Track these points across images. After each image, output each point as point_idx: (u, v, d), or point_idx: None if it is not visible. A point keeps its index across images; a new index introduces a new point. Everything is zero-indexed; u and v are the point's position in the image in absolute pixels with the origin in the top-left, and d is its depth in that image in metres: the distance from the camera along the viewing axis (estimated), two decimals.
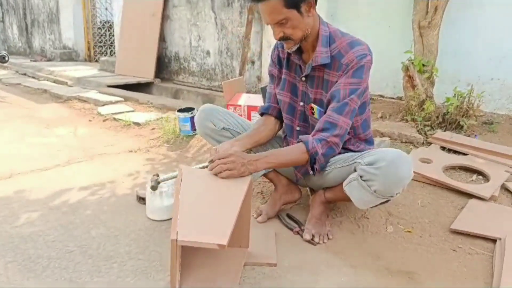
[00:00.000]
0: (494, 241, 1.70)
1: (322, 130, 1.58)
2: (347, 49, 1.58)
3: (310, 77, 1.69)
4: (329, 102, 1.62)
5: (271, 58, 1.87)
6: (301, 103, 1.78)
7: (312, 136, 1.59)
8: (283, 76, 1.81)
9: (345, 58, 1.57)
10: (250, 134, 1.82)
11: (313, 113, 1.73)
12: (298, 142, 1.61)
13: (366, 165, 1.52)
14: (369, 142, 1.81)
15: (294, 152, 1.59)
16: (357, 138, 1.77)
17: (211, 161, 1.51)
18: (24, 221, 1.85)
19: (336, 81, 1.61)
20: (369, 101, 1.75)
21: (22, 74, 6.90)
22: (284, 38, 1.57)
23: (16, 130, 3.42)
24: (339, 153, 1.72)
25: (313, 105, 1.71)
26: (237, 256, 1.53)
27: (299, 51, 1.68)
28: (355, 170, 1.59)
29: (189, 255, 1.49)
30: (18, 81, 5.92)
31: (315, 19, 1.60)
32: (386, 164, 1.46)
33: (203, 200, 1.38)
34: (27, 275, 1.46)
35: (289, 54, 1.73)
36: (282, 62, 1.81)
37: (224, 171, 1.47)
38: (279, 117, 1.90)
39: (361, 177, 1.54)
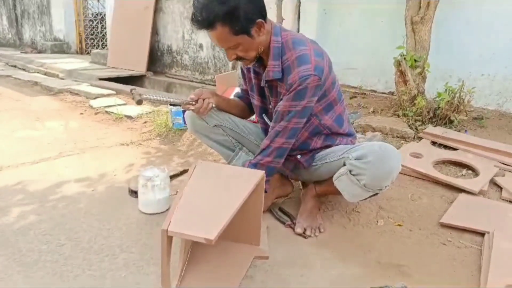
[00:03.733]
0: (482, 234, 1.72)
1: (259, 153, 1.69)
2: (294, 65, 1.53)
3: (268, 86, 1.70)
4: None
5: (242, 76, 1.89)
6: (270, 106, 1.78)
7: (250, 162, 1.70)
8: (252, 80, 1.79)
9: (291, 76, 1.53)
10: (229, 100, 1.96)
11: None
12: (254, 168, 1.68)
13: (355, 159, 1.54)
14: (348, 134, 1.80)
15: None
16: (334, 135, 1.76)
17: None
18: (14, 214, 1.84)
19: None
20: (340, 98, 1.72)
21: (12, 66, 6.80)
22: (238, 59, 1.57)
23: (6, 122, 3.38)
24: (327, 147, 1.74)
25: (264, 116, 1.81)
26: (245, 253, 1.51)
27: (259, 59, 1.64)
28: (344, 164, 1.60)
29: (198, 251, 1.49)
30: (8, 73, 5.83)
31: (267, 33, 1.56)
32: (374, 158, 1.48)
33: (206, 194, 1.36)
34: (17, 269, 1.45)
35: None
36: (245, 72, 1.83)
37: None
38: (251, 108, 1.95)
39: (350, 171, 1.55)
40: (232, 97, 2.06)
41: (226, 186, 1.41)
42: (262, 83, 1.68)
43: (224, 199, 1.32)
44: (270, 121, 1.80)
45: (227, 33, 1.46)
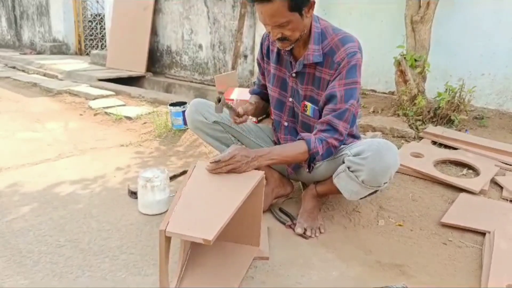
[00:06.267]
0: (483, 234, 1.72)
1: (324, 131, 1.58)
2: (339, 45, 1.57)
3: (300, 73, 1.69)
4: (324, 103, 1.61)
5: (261, 46, 1.85)
6: (290, 99, 1.78)
7: (314, 135, 1.59)
8: (272, 71, 1.80)
9: (337, 55, 1.56)
10: (253, 103, 1.91)
11: (305, 111, 1.73)
12: (299, 139, 1.61)
13: (353, 156, 1.54)
14: (355, 136, 1.82)
15: (296, 150, 1.59)
16: None
17: (217, 161, 1.46)
18: (14, 215, 1.83)
19: (329, 80, 1.60)
20: (358, 98, 1.74)
21: (11, 67, 6.80)
22: (281, 39, 1.55)
23: (5, 124, 3.38)
24: None
25: (306, 102, 1.71)
26: (245, 254, 1.51)
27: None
28: (343, 162, 1.60)
29: (198, 252, 1.48)
30: (7, 75, 5.83)
31: (310, 17, 1.58)
32: (371, 154, 1.48)
33: (205, 195, 1.36)
34: (17, 270, 1.45)
35: (279, 49, 1.70)
36: (270, 54, 1.80)
37: (228, 171, 1.46)
38: (268, 102, 1.94)
39: (348, 168, 1.55)
40: (249, 95, 2.07)
41: (225, 186, 1.40)
42: (298, 68, 1.66)
43: (223, 200, 1.32)
44: (287, 115, 1.81)
45: (284, 8, 1.44)
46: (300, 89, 1.71)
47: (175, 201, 1.29)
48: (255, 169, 1.50)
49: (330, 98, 1.58)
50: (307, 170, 1.68)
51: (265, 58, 1.83)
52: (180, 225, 1.18)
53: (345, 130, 1.59)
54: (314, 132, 1.61)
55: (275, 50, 1.75)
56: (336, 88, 1.56)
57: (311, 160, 1.61)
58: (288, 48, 1.61)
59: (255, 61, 4.58)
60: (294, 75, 1.70)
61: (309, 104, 1.70)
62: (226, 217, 1.21)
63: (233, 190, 1.37)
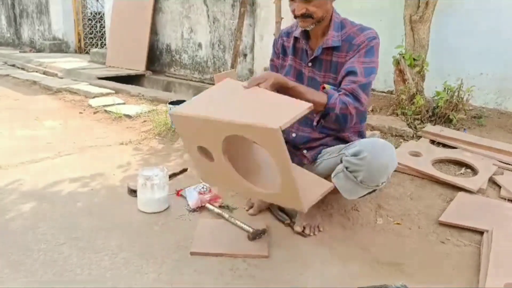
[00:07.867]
0: (481, 233, 1.73)
1: (347, 95, 1.56)
2: (358, 32, 1.65)
3: (318, 60, 1.71)
4: (343, 76, 1.62)
5: (274, 49, 1.89)
6: None
7: (338, 93, 1.56)
8: (289, 62, 1.82)
9: (356, 39, 1.63)
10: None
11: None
12: (323, 91, 1.58)
13: (351, 156, 1.54)
14: (362, 135, 1.82)
15: (315, 98, 1.52)
16: (352, 129, 1.77)
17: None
18: (14, 214, 1.84)
19: (345, 61, 1.64)
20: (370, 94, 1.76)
21: (11, 65, 6.79)
22: (304, 15, 1.59)
23: (5, 122, 3.38)
24: (330, 146, 1.74)
25: (325, 85, 1.66)
26: (319, 186, 1.52)
27: (307, 36, 1.71)
28: (341, 161, 1.60)
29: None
30: (6, 73, 5.82)
31: (332, 4, 1.67)
32: (369, 154, 1.48)
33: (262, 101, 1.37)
34: (17, 268, 1.45)
35: (295, 41, 1.76)
36: (286, 50, 1.83)
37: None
38: None
39: (346, 168, 1.55)
40: None
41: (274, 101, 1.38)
42: (316, 53, 1.69)
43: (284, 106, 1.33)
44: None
45: None
46: (318, 76, 1.73)
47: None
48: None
49: (350, 73, 1.61)
50: (315, 124, 1.65)
51: (281, 56, 1.86)
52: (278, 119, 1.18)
53: (365, 101, 1.61)
54: (338, 92, 1.58)
55: (291, 44, 1.79)
56: (355, 64, 1.60)
57: (325, 114, 1.57)
58: (309, 28, 1.64)
59: (255, 59, 4.61)
60: (310, 64, 1.73)
61: (328, 86, 1.65)
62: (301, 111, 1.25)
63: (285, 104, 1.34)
